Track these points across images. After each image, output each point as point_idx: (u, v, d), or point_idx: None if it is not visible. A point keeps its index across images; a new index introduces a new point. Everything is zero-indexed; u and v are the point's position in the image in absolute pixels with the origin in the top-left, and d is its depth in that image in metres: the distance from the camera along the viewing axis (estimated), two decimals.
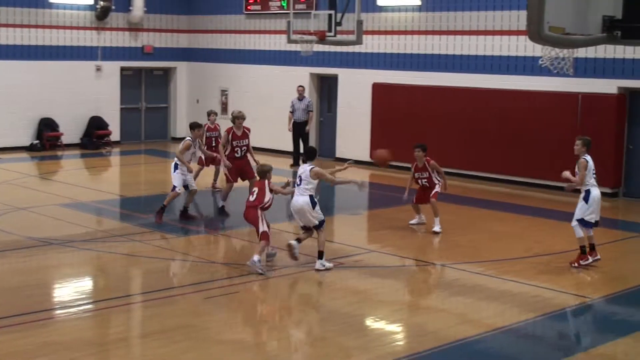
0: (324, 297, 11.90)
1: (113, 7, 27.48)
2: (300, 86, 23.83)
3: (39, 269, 12.95)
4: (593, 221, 13.11)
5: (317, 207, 12.86)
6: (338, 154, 24.81)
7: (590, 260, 13.17)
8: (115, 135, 27.89)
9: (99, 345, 9.73)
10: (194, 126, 16.43)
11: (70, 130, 26.98)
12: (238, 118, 16.82)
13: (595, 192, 13.07)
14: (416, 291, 12.12)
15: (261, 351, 9.59)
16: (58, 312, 10.93)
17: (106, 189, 19.49)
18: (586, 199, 13.02)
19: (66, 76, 26.85)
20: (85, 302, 11.43)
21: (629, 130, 19.69)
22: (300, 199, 12.80)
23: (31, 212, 16.62)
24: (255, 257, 12.40)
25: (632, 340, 10.14)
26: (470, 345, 9.79)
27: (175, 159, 16.01)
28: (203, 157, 18.29)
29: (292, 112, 23.55)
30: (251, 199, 12.81)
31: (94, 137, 27.17)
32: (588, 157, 13.02)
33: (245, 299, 11.66)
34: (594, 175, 13.11)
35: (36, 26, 26.28)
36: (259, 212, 12.70)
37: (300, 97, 23.58)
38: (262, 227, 12.63)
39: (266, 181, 12.82)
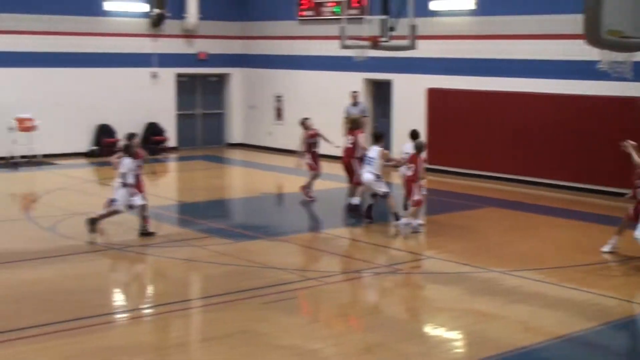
0: (383, 302, 11.85)
1: (168, 15, 27.72)
2: (354, 91, 23.78)
3: (98, 273, 13.08)
4: None
5: (381, 181, 16.38)
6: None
7: None
8: (172, 142, 28.13)
9: (158, 350, 9.80)
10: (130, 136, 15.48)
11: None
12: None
13: None
14: (476, 298, 12.01)
15: (319, 357, 9.56)
16: (118, 316, 11.04)
17: (164, 194, 19.63)
18: None
19: (122, 83, 27.14)
20: (144, 306, 11.53)
21: None
22: (368, 175, 16.31)
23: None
24: (404, 220, 15.68)
25: None
26: (531, 353, 9.67)
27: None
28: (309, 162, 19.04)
29: (346, 117, 23.49)
30: (409, 173, 16.02)
31: (150, 143, 27.40)
32: None
33: (303, 305, 11.66)
34: None
35: (92, 34, 26.60)
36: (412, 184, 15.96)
37: (355, 103, 23.52)
38: (417, 196, 15.87)
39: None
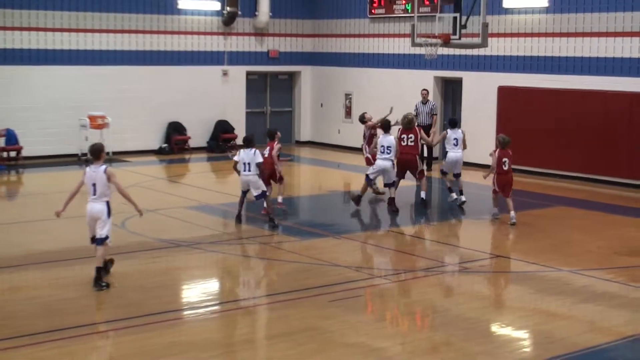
0: (449, 301, 11.75)
1: (239, 13, 27.92)
2: (424, 90, 23.67)
3: (167, 270, 13.23)
4: None
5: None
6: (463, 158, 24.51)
7: None
8: (240, 139, 28.32)
9: (226, 346, 9.87)
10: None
11: (197, 134, 27.54)
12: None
13: None
14: (544, 297, 11.83)
15: (385, 355, 9.52)
16: (185, 312, 11.15)
17: (232, 191, 19.77)
18: None
19: (193, 81, 27.42)
20: (212, 303, 11.62)
21: None
22: (386, 162, 17.48)
23: (159, 214, 16.99)
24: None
25: None
26: (600, 353, 9.51)
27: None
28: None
29: (416, 116, 23.39)
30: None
31: (220, 140, 27.65)
32: None
33: (369, 303, 11.64)
34: None
35: (165, 32, 26.94)
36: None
37: (424, 101, 23.44)
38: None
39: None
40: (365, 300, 11.67)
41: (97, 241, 11.94)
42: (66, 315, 10.57)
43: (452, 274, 13.08)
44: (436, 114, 23.64)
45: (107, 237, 11.91)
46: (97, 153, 12.11)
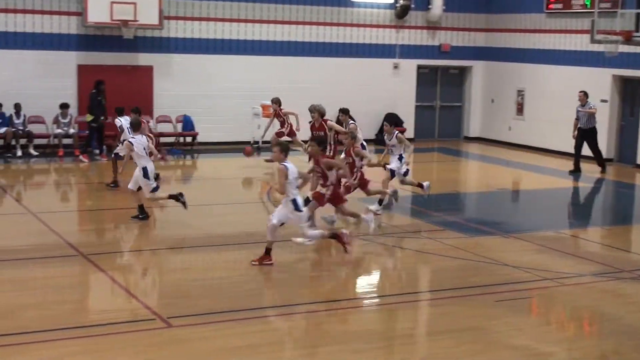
0: (621, 309, 11.31)
1: (412, 6, 27.81)
2: (581, 92, 22.60)
3: (332, 261, 13.29)
4: None
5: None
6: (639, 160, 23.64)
7: None
8: (409, 133, 28.23)
9: (387, 339, 9.86)
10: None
11: (366, 126, 27.59)
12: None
13: None
14: None
15: None
16: (350, 303, 11.20)
17: (399, 184, 19.78)
18: None
19: (363, 73, 27.52)
20: (374, 295, 11.65)
21: None
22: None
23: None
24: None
25: None
26: None
27: None
28: None
29: (577, 119, 22.56)
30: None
31: None
32: None
33: (538, 305, 11.34)
34: None
35: (338, 24, 27.16)
36: None
37: (583, 104, 22.44)
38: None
39: None
40: (532, 303, 11.39)
41: None
42: (235, 298, 10.82)
43: (625, 280, 12.59)
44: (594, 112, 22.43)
45: None
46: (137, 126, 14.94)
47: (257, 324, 9.97)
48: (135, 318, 10.05)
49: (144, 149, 14.92)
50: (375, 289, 12.10)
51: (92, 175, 20.77)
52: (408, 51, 28.33)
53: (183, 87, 25.00)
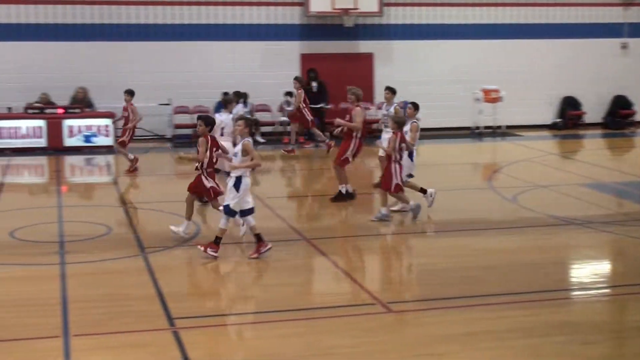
0: None
1: None
2: None
3: (558, 247, 12.87)
4: None
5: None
6: None
7: None
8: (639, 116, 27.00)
9: (615, 332, 9.39)
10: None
11: (593, 109, 26.66)
12: None
13: None
14: None
15: None
16: (574, 292, 10.81)
17: (628, 170, 18.89)
18: None
19: (589, 55, 26.55)
20: (602, 285, 11.15)
21: None
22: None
23: (551, 190, 16.69)
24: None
25: None
26: None
27: None
28: None
29: None
30: None
31: (618, 117, 26.51)
32: None
33: None
34: None
35: (548, 4, 26.32)
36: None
37: None
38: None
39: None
40: None
41: None
42: (451, 285, 10.71)
43: None
44: None
45: None
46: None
47: (477, 311, 9.79)
48: (355, 302, 10.14)
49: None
50: (602, 279, 11.53)
51: (315, 161, 21.21)
52: (637, 30, 26.99)
53: (403, 73, 25.01)
